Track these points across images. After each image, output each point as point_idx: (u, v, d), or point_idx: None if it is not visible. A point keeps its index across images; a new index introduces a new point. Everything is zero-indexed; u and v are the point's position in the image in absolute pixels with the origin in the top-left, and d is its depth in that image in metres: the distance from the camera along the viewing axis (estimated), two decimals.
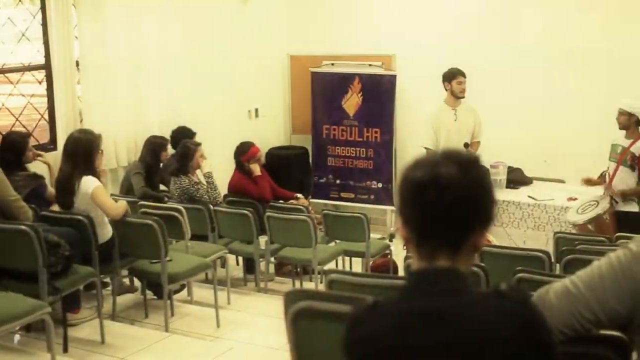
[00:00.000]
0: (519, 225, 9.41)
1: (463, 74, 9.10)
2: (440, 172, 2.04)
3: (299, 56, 12.08)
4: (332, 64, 11.73)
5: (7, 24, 9.04)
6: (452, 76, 9.12)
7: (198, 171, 8.49)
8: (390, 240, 10.69)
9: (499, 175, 9.63)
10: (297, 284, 8.54)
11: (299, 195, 9.78)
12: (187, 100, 10.44)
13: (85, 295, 6.67)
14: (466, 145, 8.95)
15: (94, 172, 6.44)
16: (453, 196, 2.03)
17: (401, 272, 8.46)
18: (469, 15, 11.05)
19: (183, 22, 10.39)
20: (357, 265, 8.98)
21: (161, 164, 8.95)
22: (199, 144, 8.67)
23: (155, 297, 7.20)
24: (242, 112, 11.77)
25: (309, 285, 8.34)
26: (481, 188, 2.10)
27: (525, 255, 5.95)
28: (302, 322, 3.21)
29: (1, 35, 8.98)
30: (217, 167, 9.35)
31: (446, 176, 2.04)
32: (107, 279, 6.97)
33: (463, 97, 9.17)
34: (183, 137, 9.01)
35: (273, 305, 7.39)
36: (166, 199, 8.35)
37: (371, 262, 8.76)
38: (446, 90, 9.18)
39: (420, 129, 9.58)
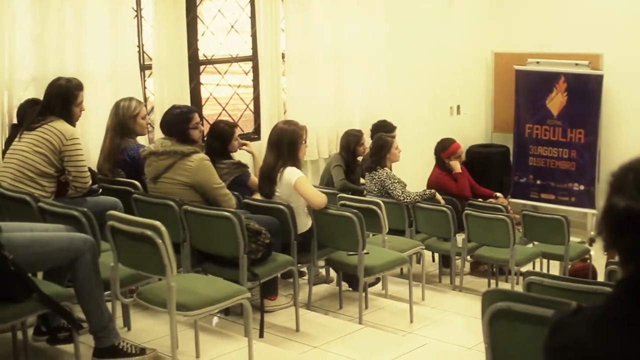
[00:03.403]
0: None
1: None
2: None
3: (504, 53, 11.92)
4: (537, 62, 11.50)
5: (217, 16, 9.32)
6: None
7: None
8: (590, 245, 10.37)
9: None
10: (493, 284, 8.42)
11: (499, 194, 9.63)
12: (388, 94, 10.49)
13: (282, 283, 6.79)
14: None
15: (298, 163, 6.54)
16: None
17: (600, 278, 8.22)
18: None
19: (387, 17, 10.42)
20: (554, 268, 8.78)
21: (359, 158, 9.01)
22: (394, 136, 8.67)
23: (350, 289, 7.25)
24: (443, 109, 11.73)
25: (504, 285, 8.21)
26: None
27: None
28: (499, 323, 3.17)
29: (212, 27, 9.26)
30: (416, 162, 9.36)
31: None
32: (304, 269, 7.07)
33: None
34: (383, 131, 9.03)
35: (467, 303, 7.35)
36: (365, 192, 8.41)
37: (569, 266, 8.55)
38: None
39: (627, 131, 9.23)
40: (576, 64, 11.15)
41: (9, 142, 6.53)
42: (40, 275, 4.96)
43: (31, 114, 6.27)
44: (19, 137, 6.06)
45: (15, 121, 7.05)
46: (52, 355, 5.03)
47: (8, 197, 5.67)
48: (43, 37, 7.41)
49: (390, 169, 8.46)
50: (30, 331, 5.04)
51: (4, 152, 6.65)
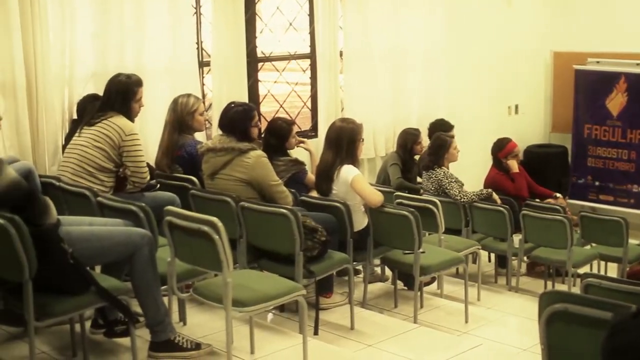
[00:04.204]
0: None
1: None
2: None
3: (563, 53, 11.82)
4: (597, 62, 11.37)
5: (276, 13, 9.35)
6: None
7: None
8: None
9: None
10: (549, 285, 8.34)
11: (558, 195, 9.53)
12: (446, 93, 10.46)
13: (337, 281, 6.78)
14: None
15: (355, 161, 6.54)
16: None
17: None
18: None
19: (446, 16, 10.39)
20: (612, 270, 8.68)
21: (416, 157, 9.00)
22: (453, 136, 8.63)
23: (405, 287, 7.23)
24: (501, 108, 11.67)
25: (561, 287, 8.13)
26: None
27: None
28: (556, 325, 3.13)
29: (270, 24, 9.29)
30: (474, 161, 9.30)
31: None
32: (360, 267, 7.07)
33: None
34: (441, 129, 9.01)
35: (523, 304, 7.30)
36: (422, 191, 8.38)
37: (628, 269, 8.44)
38: None
39: None
40: (637, 64, 11.01)
41: (69, 137, 6.63)
42: (98, 269, 5.01)
43: (91, 110, 6.36)
44: (79, 132, 6.15)
45: (75, 116, 7.15)
46: (108, 348, 5.08)
47: (68, 192, 5.75)
48: (103, 33, 7.49)
49: (448, 169, 8.42)
50: (88, 324, 5.09)
51: (64, 147, 6.75)
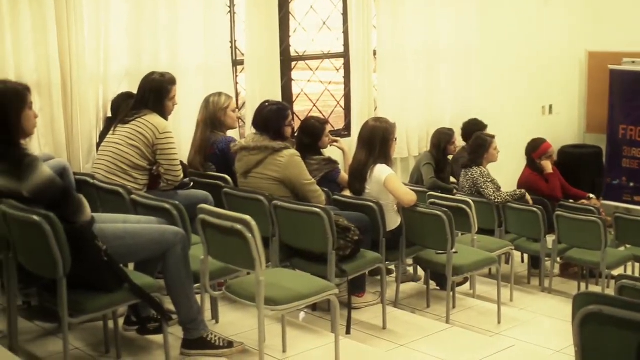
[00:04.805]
0: None
1: None
2: None
3: (598, 53, 11.74)
4: (633, 62, 11.29)
5: (309, 12, 9.35)
6: None
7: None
8: None
9: None
10: (583, 287, 8.29)
11: (592, 195, 9.47)
12: (479, 93, 10.43)
13: (369, 280, 6.78)
14: None
15: (389, 161, 6.53)
16: None
17: None
18: None
19: (480, 15, 10.36)
20: None
21: (450, 156, 8.98)
22: (493, 137, 8.59)
23: (438, 287, 7.21)
24: (535, 108, 11.62)
25: (595, 289, 8.07)
26: None
27: None
28: (590, 327, 3.11)
29: (304, 23, 9.29)
30: (507, 162, 9.25)
31: None
32: (392, 266, 7.05)
33: None
34: (474, 129, 8.98)
35: (556, 306, 7.27)
36: (455, 191, 8.36)
37: None
38: None
39: None
40: None
41: (103, 135, 6.68)
42: (131, 266, 5.04)
43: (125, 108, 6.39)
44: (113, 130, 6.18)
45: (109, 114, 7.19)
46: (141, 345, 5.11)
47: (102, 189, 5.79)
48: (137, 31, 7.53)
49: (486, 168, 8.38)
50: (121, 321, 5.12)
51: (98, 145, 6.79)
